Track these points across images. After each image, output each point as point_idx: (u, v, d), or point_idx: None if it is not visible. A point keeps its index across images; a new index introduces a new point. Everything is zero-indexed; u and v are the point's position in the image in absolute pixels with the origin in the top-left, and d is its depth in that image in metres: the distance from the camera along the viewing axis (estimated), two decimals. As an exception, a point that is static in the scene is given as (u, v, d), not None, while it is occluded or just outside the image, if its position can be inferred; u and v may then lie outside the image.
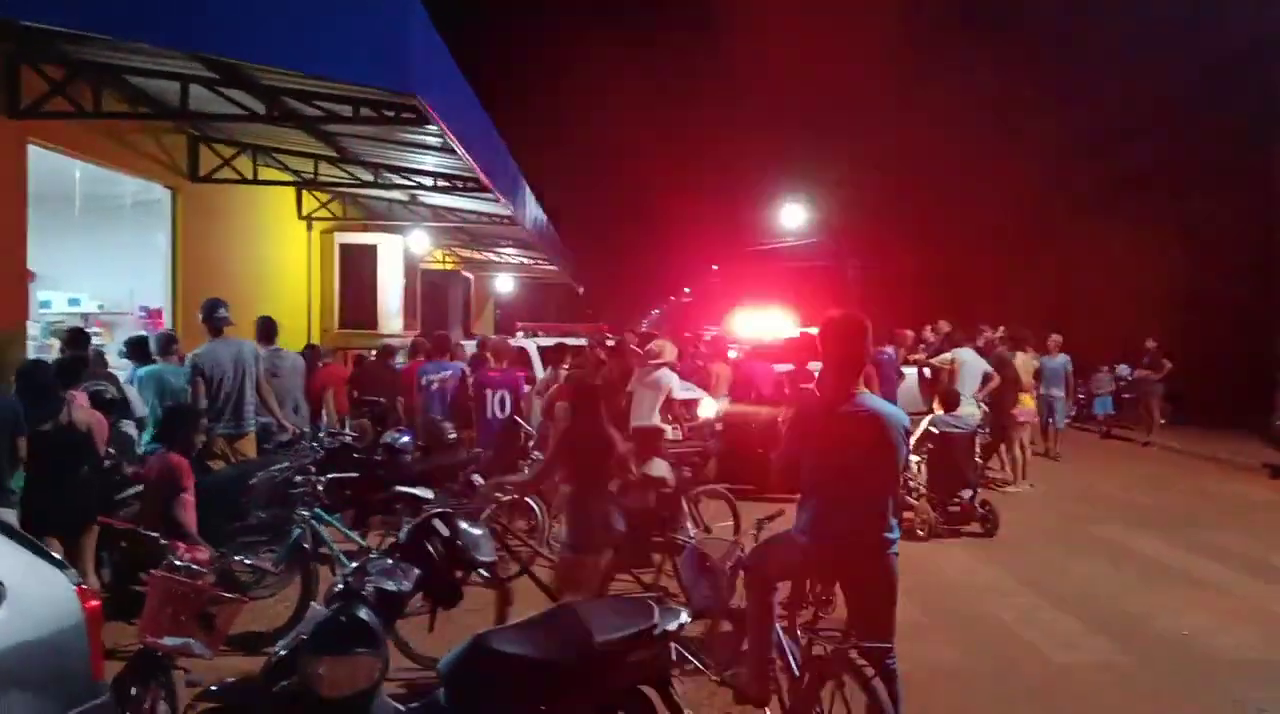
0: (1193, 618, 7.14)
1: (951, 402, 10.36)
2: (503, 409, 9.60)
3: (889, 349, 13.26)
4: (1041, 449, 14.45)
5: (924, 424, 10.00)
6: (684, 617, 4.04)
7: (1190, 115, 22.54)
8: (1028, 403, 12.79)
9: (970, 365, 11.96)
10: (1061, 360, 14.55)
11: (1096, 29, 25.90)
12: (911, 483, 9.55)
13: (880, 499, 4.34)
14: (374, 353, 12.90)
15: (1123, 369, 18.61)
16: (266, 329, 9.39)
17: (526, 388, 10.07)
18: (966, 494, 9.82)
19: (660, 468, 6.57)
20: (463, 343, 14.37)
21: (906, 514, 9.22)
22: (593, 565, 5.63)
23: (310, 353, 11.56)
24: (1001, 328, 14.95)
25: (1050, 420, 14.77)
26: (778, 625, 4.68)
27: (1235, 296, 20.72)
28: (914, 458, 9.71)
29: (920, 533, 9.51)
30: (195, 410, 6.13)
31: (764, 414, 11.44)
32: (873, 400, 4.51)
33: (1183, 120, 22.79)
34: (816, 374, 11.96)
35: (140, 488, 6.80)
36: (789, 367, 12.78)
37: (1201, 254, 22.40)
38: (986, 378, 11.98)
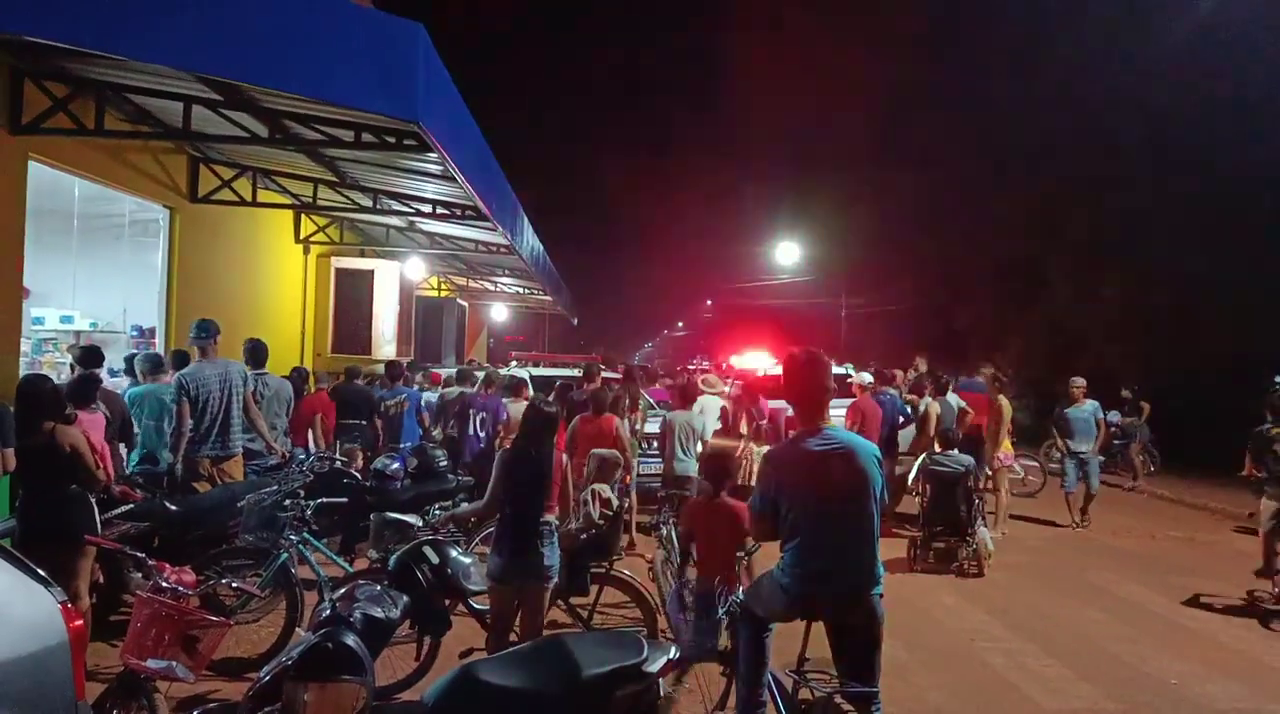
0: (1181, 666, 7.11)
1: (946, 441, 10.41)
2: (482, 428, 10.57)
3: (889, 390, 13.12)
4: (1070, 520, 12.79)
5: (917, 464, 10.11)
6: (673, 653, 4.00)
7: (1180, 162, 22.73)
8: (1008, 447, 12.09)
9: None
10: (1090, 408, 12.70)
11: (1090, 79, 26.23)
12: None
13: (862, 535, 4.28)
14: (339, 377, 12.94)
15: (1112, 415, 18.59)
16: (255, 353, 9.31)
17: (505, 415, 10.59)
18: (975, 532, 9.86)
19: (608, 494, 6.49)
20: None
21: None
22: (508, 595, 5.50)
23: (298, 376, 11.55)
24: (989, 367, 14.68)
25: (1082, 480, 12.55)
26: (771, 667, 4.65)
27: (1232, 344, 20.76)
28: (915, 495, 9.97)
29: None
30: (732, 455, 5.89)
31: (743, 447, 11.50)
32: (840, 433, 4.48)
33: (1171, 167, 22.98)
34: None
35: (129, 507, 6.76)
36: (781, 403, 12.78)
37: (1197, 301, 22.46)
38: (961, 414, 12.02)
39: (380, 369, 13.66)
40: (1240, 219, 20.81)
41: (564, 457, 5.90)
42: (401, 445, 11.06)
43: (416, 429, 12.02)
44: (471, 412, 10.70)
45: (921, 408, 12.10)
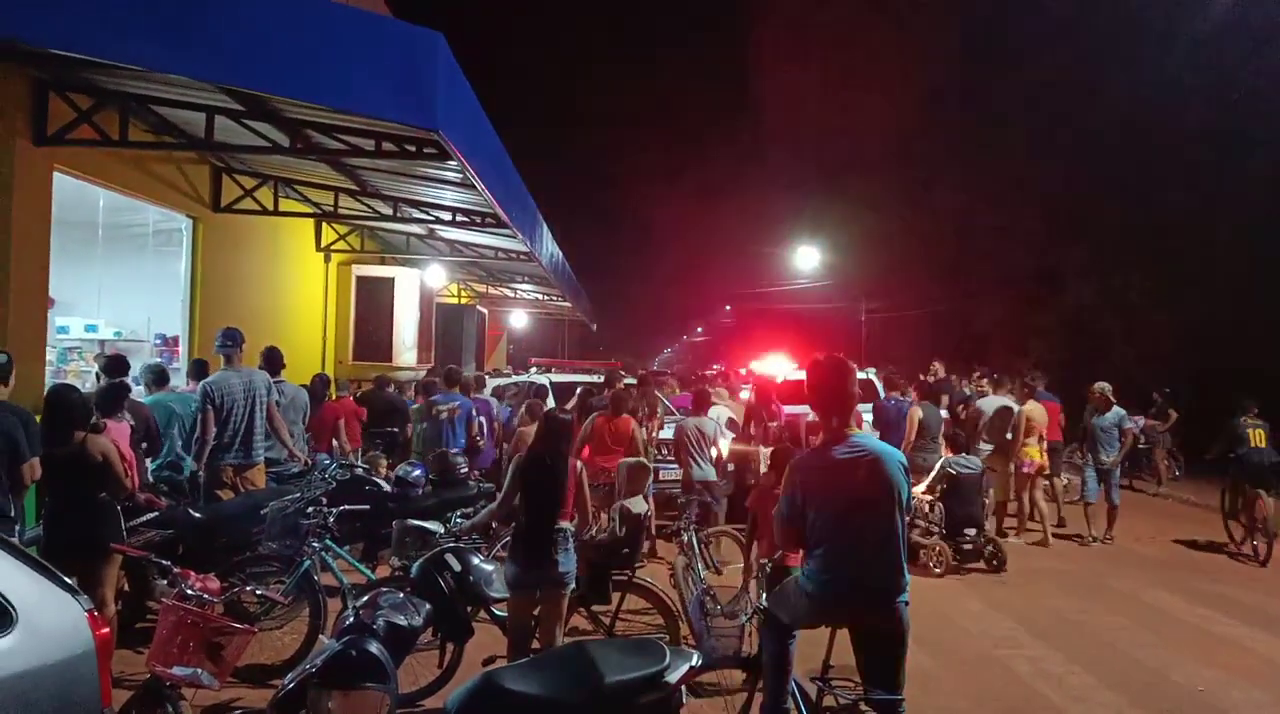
0: (1207, 673, 7.04)
1: (958, 445, 10.49)
2: (481, 433, 11.05)
3: (898, 395, 13.03)
4: (1089, 534, 11.99)
5: (938, 466, 10.15)
6: (696, 660, 4.00)
7: (1211, 158, 22.52)
8: (1034, 455, 11.66)
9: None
10: (1112, 417, 12.02)
11: (1110, 78, 26.05)
12: (921, 524, 9.80)
13: (889, 543, 4.25)
14: (364, 384, 12.98)
15: (1139, 420, 18.36)
16: (271, 360, 9.38)
17: (475, 414, 11.01)
18: (970, 531, 10.02)
19: (640, 505, 6.50)
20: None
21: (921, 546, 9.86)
22: (525, 603, 5.52)
23: (320, 382, 11.60)
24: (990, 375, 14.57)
25: (1105, 492, 11.93)
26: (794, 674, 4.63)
27: (1258, 347, 20.56)
28: (928, 497, 10.06)
29: (936, 570, 9.84)
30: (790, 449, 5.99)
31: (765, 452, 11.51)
32: (868, 440, 4.45)
33: (1201, 164, 22.79)
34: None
35: (154, 515, 6.82)
36: (801, 408, 12.79)
37: (1222, 303, 22.25)
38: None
39: (402, 376, 13.71)
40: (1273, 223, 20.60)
41: (579, 464, 5.92)
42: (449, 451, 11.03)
43: (464, 437, 11.76)
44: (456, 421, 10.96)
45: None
